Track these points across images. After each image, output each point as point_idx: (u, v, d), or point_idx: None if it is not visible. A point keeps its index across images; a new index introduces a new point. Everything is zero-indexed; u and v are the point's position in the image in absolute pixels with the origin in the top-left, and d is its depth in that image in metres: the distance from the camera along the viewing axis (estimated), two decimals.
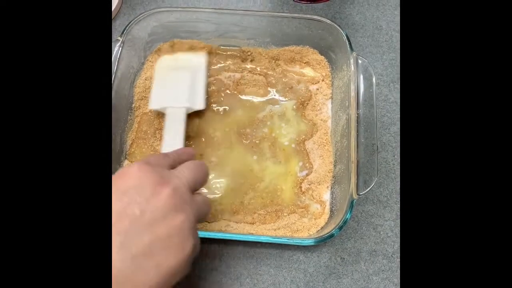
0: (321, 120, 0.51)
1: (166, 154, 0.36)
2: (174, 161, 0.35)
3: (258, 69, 0.53)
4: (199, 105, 0.49)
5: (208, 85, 0.52)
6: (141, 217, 0.29)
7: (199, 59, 0.52)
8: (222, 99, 0.52)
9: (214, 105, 0.51)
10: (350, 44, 0.48)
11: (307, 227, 0.45)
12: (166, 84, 0.50)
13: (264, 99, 0.52)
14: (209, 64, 0.53)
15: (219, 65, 0.54)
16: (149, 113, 0.51)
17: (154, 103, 0.49)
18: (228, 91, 0.52)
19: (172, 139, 0.45)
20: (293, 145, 0.49)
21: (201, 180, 0.35)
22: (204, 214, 0.34)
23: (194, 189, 0.34)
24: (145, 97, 0.51)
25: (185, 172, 0.34)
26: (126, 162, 0.48)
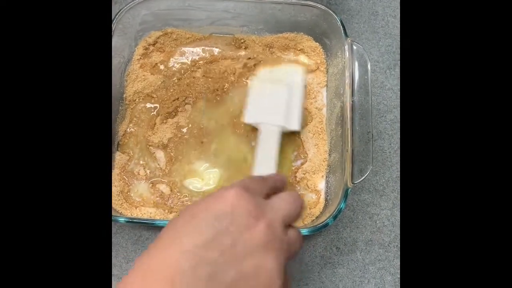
0: (316, 108, 0.50)
1: (264, 180, 0.33)
2: (270, 189, 0.33)
3: (252, 57, 0.52)
4: (295, 125, 0.47)
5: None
6: (231, 249, 0.27)
7: (297, 74, 0.50)
8: (215, 87, 0.51)
9: (207, 94, 0.50)
10: (344, 30, 0.47)
11: (302, 216, 0.44)
12: (262, 98, 0.48)
13: None
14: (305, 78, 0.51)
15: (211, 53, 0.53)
16: (143, 104, 0.50)
17: (249, 117, 0.47)
18: (222, 79, 0.51)
19: (266, 159, 0.43)
20: (287, 135, 0.49)
21: (296, 215, 0.32)
22: (295, 252, 0.31)
23: (288, 223, 0.31)
24: (139, 91, 0.50)
25: (281, 205, 0.31)
26: (117, 153, 0.48)
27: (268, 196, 0.32)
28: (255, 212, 0.28)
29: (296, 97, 0.48)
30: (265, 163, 0.42)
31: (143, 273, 0.26)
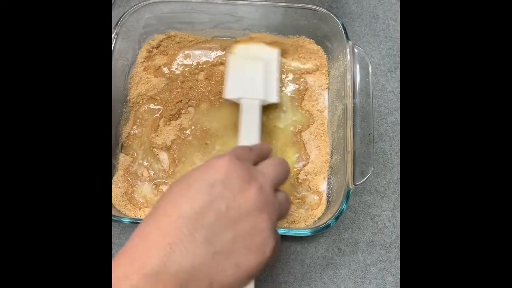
0: (318, 110, 0.50)
1: (250, 148, 0.35)
2: (258, 156, 0.35)
3: None
4: (273, 98, 0.48)
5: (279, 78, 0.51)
6: (226, 213, 0.28)
7: (271, 51, 0.52)
8: (218, 90, 0.51)
9: (210, 96, 0.51)
10: (346, 33, 0.47)
11: (304, 218, 0.45)
12: (240, 74, 0.49)
13: None
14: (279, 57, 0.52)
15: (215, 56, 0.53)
16: (146, 106, 0.51)
17: (229, 93, 0.48)
18: (224, 82, 0.52)
19: (249, 131, 0.44)
20: (289, 136, 0.49)
21: (283, 178, 0.34)
22: (285, 213, 0.34)
23: (277, 186, 0.33)
24: (142, 93, 0.51)
25: (269, 170, 0.33)
26: (121, 155, 0.48)
27: (256, 163, 0.34)
28: (247, 178, 0.30)
29: (272, 71, 0.50)
30: (249, 135, 0.43)
31: (143, 239, 0.27)
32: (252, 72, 0.49)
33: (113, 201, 0.45)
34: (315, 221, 0.44)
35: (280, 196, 0.33)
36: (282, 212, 0.33)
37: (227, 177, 0.29)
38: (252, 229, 0.29)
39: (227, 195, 0.29)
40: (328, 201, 0.46)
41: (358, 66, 0.45)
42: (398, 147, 0.50)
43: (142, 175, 0.47)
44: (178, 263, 0.26)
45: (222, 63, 0.53)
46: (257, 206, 0.29)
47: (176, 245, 0.26)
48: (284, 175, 0.34)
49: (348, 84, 0.45)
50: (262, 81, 0.49)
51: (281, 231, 0.42)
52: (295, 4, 0.50)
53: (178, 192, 0.29)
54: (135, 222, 0.42)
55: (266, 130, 0.49)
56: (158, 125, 0.50)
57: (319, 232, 0.41)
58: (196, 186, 0.29)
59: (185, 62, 0.53)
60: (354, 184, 0.41)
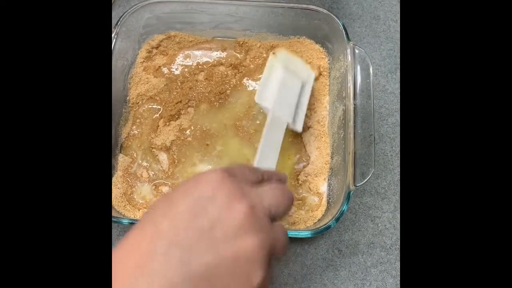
0: (318, 111, 0.50)
1: (256, 170, 0.31)
2: (263, 180, 0.31)
3: (254, 61, 0.52)
4: (299, 127, 0.46)
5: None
6: (208, 231, 0.25)
7: (310, 73, 0.49)
8: (218, 90, 0.51)
9: (210, 97, 0.51)
10: (346, 33, 0.47)
11: (304, 219, 0.44)
12: (278, 84, 0.45)
13: None
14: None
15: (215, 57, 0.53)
16: (146, 106, 0.50)
17: (261, 98, 0.44)
18: (224, 82, 0.51)
19: (269, 153, 0.40)
20: (290, 137, 0.49)
21: (284, 209, 0.30)
22: (280, 248, 0.28)
23: (275, 215, 0.29)
24: (142, 94, 0.51)
25: (268, 194, 0.29)
26: (120, 155, 0.48)
27: (257, 185, 0.30)
28: (237, 195, 0.26)
29: (304, 97, 0.47)
30: (268, 157, 0.39)
31: (119, 256, 0.25)
32: (290, 88, 0.46)
33: (112, 202, 0.45)
34: (315, 222, 0.44)
35: (276, 227, 0.29)
36: (277, 246, 0.28)
37: (214, 193, 0.26)
38: (238, 253, 0.25)
39: (212, 212, 0.26)
40: (328, 203, 0.46)
41: (359, 67, 0.45)
42: (399, 148, 0.50)
43: (142, 176, 0.47)
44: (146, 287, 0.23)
45: (222, 64, 0.52)
46: (245, 227, 0.26)
47: (146, 268, 0.24)
48: (285, 205, 0.30)
49: (348, 85, 0.45)
50: (294, 103, 0.45)
51: None
52: (296, 5, 0.50)
53: (159, 208, 0.27)
54: (134, 223, 0.42)
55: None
56: (158, 126, 0.49)
57: (319, 233, 0.41)
58: (178, 202, 0.26)
59: (185, 62, 0.53)
60: (355, 186, 0.40)
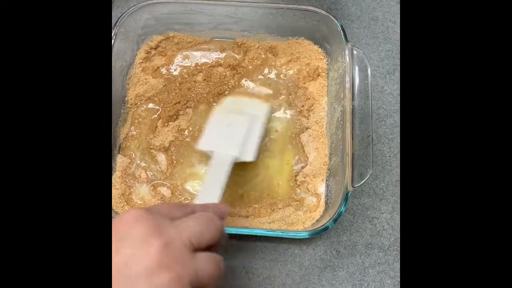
0: (317, 112, 0.50)
1: (185, 205, 0.32)
2: (189, 213, 0.31)
3: (253, 62, 0.53)
4: (249, 156, 0.45)
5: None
6: (124, 269, 0.25)
7: (262, 106, 0.49)
8: (216, 91, 0.51)
9: (208, 98, 0.51)
10: (345, 34, 0.47)
11: (302, 220, 0.45)
12: (220, 127, 0.46)
13: (259, 91, 0.51)
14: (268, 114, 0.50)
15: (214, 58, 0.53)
16: (144, 107, 0.50)
17: (203, 144, 0.45)
18: (223, 83, 0.52)
19: (210, 190, 0.39)
20: (288, 138, 0.49)
21: (210, 237, 0.30)
22: (207, 277, 0.28)
23: (199, 245, 0.29)
24: (141, 94, 0.51)
25: (189, 224, 0.29)
26: (119, 156, 0.48)
27: (179, 219, 0.30)
28: (152, 232, 0.27)
29: (256, 128, 0.47)
30: (209, 194, 0.39)
31: None
32: (234, 127, 0.46)
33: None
34: (314, 223, 0.44)
35: (201, 258, 0.28)
36: (201, 275, 0.28)
37: (128, 232, 0.27)
38: None
39: (125, 251, 0.26)
40: (326, 203, 0.46)
41: (357, 68, 0.45)
42: (397, 149, 0.50)
43: (140, 177, 0.47)
44: None
45: (220, 64, 0.52)
46: (160, 264, 0.26)
47: None
48: (211, 233, 0.30)
49: (347, 86, 0.45)
50: (241, 137, 0.45)
51: (279, 233, 0.42)
52: (294, 6, 0.50)
53: None
54: None
55: (265, 132, 0.49)
56: (156, 126, 0.50)
57: (318, 234, 0.41)
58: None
59: (184, 63, 0.53)
60: (353, 186, 0.41)
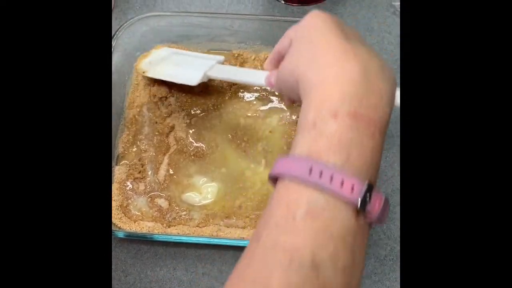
0: None
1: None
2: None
3: None
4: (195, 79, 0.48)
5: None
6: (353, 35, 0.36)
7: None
8: (213, 102, 0.52)
9: (208, 108, 0.51)
10: None
11: None
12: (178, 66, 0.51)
13: (255, 102, 0.52)
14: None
15: None
16: (142, 119, 0.51)
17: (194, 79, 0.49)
18: (219, 94, 0.52)
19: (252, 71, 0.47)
20: (285, 148, 0.49)
21: None
22: None
23: None
24: (138, 106, 0.51)
25: None
26: (117, 167, 0.48)
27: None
28: None
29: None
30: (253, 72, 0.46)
31: None
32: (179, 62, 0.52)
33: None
34: None
35: None
36: None
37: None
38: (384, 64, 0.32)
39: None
40: None
41: None
42: (394, 159, 0.50)
43: (138, 188, 0.48)
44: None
45: None
46: None
47: None
48: None
49: None
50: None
51: None
52: (290, 18, 0.51)
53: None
54: (130, 236, 0.43)
55: (262, 136, 0.49)
56: (154, 137, 0.50)
57: None
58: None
59: None
60: None
